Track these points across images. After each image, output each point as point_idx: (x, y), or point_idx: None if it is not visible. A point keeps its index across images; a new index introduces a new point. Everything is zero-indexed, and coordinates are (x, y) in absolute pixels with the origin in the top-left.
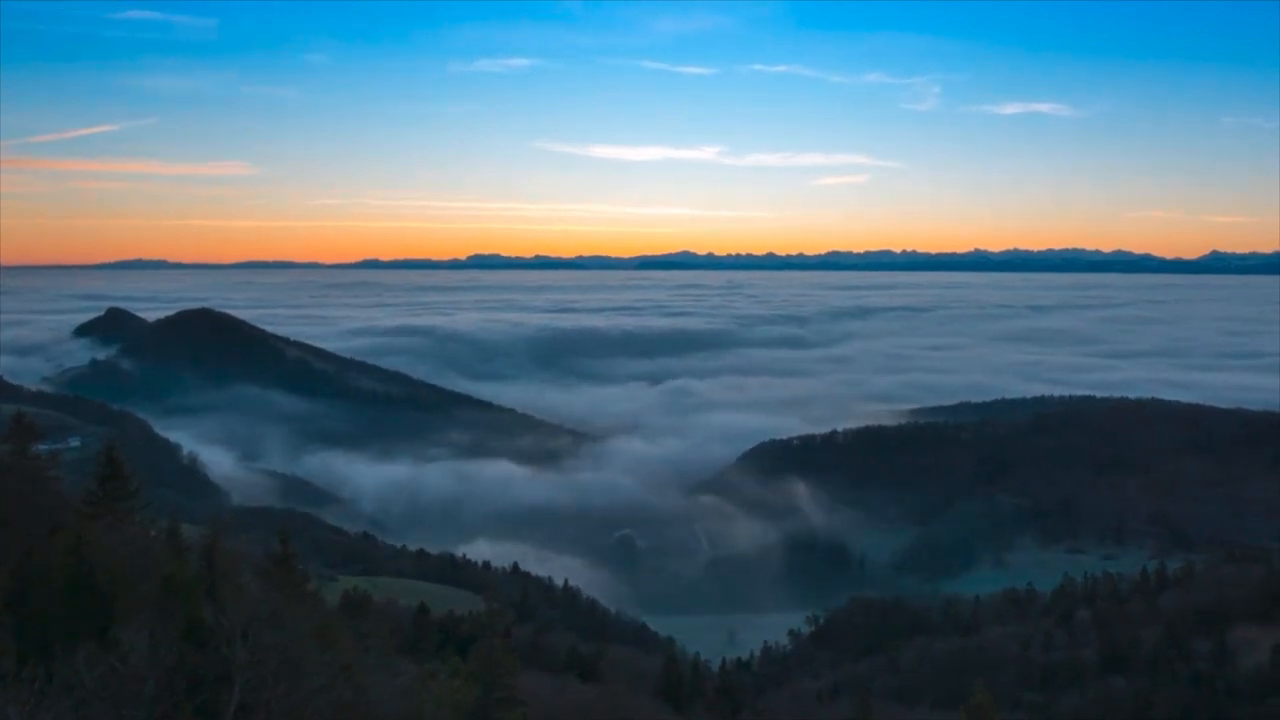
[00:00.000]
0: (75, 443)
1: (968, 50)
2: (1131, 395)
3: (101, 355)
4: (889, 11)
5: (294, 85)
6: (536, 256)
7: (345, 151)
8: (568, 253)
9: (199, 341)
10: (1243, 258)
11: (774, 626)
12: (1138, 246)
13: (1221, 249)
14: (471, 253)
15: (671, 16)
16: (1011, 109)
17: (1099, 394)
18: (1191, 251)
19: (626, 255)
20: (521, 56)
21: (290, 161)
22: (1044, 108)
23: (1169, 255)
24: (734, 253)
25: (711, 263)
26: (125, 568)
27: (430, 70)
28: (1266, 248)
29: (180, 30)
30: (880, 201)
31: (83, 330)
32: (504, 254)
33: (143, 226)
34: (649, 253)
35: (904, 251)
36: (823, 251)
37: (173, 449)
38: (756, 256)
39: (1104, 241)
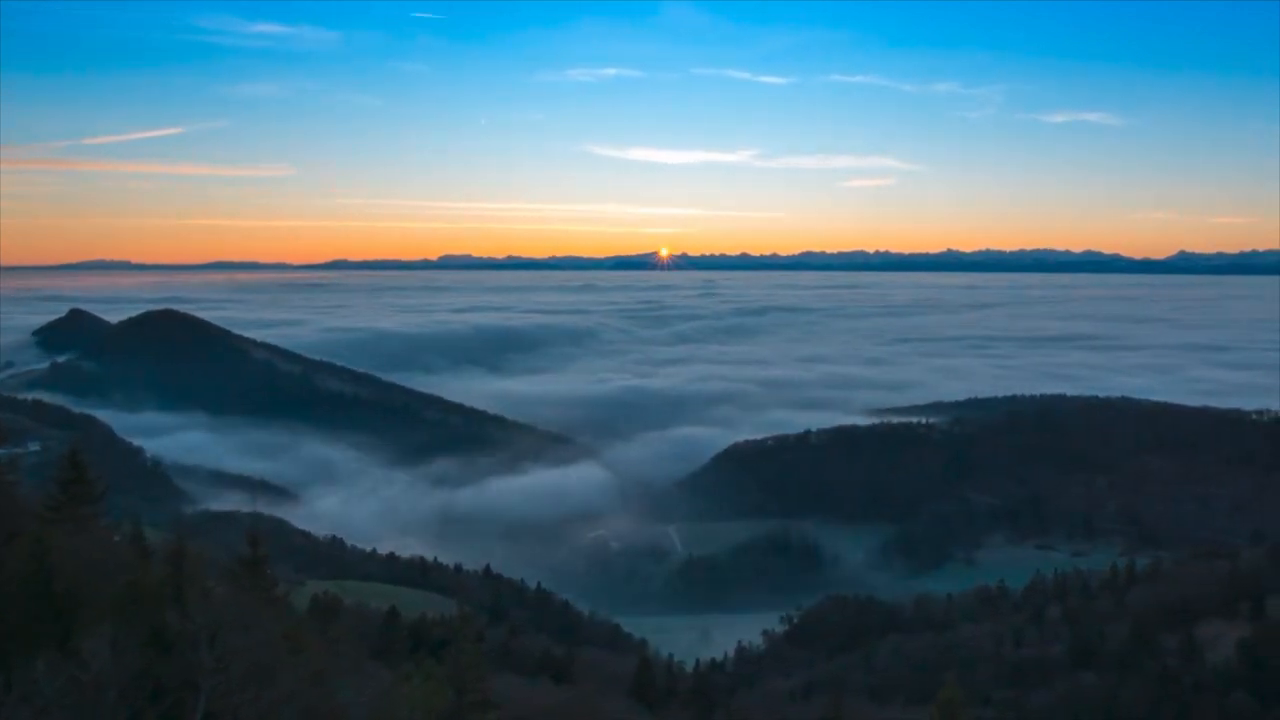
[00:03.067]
0: (35, 447)
1: (1025, 62)
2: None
3: (62, 357)
4: (977, 27)
5: (378, 93)
6: (509, 257)
7: (388, 158)
8: (542, 253)
9: (162, 342)
10: (1209, 258)
11: (748, 626)
12: (1107, 246)
13: (1189, 249)
14: (442, 254)
15: (767, 29)
16: (1059, 118)
17: (1069, 393)
18: (1159, 252)
19: (601, 256)
20: (613, 66)
21: (325, 166)
22: (1093, 116)
23: (1137, 255)
24: (708, 253)
25: (684, 263)
26: (87, 574)
27: (520, 78)
28: (1232, 248)
29: (301, 42)
30: (900, 204)
31: (42, 332)
32: (475, 254)
33: (109, 227)
34: (625, 253)
35: (877, 252)
36: (796, 252)
37: (135, 452)
38: (730, 257)
39: (1074, 242)
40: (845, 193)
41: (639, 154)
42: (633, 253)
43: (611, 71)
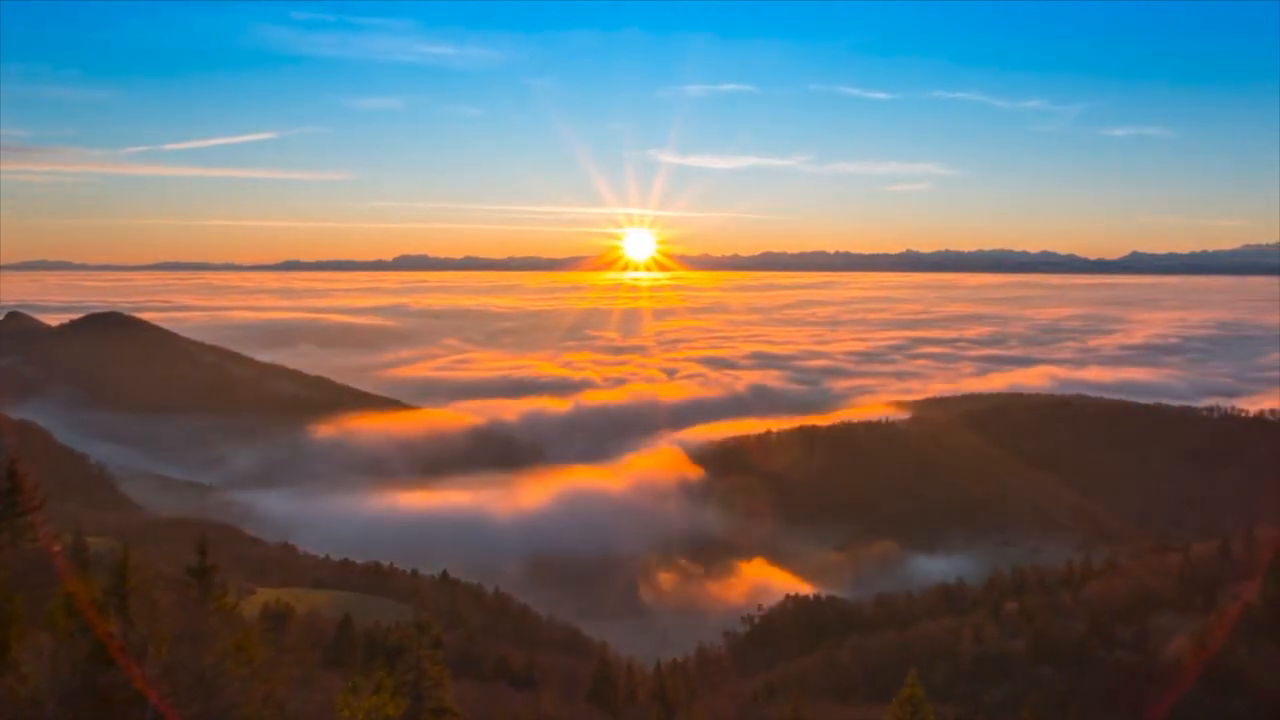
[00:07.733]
0: None
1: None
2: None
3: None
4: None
5: (486, 105)
6: (466, 258)
7: (448, 166)
8: (500, 254)
9: (106, 345)
10: (1161, 258)
11: (709, 627)
12: (1063, 247)
13: (1141, 250)
14: (399, 254)
15: (898, 53)
16: (1120, 132)
17: (1025, 391)
18: (1113, 252)
19: (561, 256)
20: (731, 82)
21: (377, 170)
22: (1153, 130)
23: (1092, 255)
24: (694, 254)
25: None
26: (25, 584)
27: (638, 94)
28: (1184, 248)
29: (468, 61)
30: (911, 208)
31: None
32: (432, 255)
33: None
34: (581, 254)
35: (837, 253)
36: (757, 253)
37: (79, 459)
38: (690, 258)
39: (1030, 243)
40: (882, 197)
41: (695, 160)
42: (587, 254)
43: (730, 87)
